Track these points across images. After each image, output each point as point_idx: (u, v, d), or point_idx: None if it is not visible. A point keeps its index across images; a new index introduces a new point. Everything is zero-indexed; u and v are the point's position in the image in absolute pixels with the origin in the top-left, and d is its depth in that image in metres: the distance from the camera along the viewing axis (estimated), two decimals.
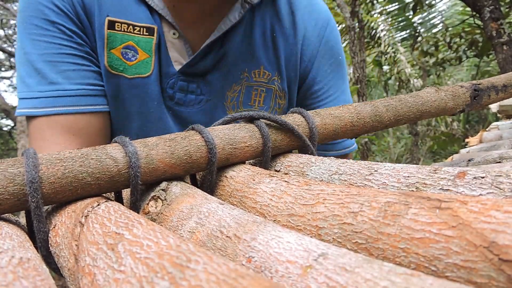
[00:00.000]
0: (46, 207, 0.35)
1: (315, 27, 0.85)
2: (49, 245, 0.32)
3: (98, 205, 0.31)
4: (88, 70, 0.72)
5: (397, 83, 7.28)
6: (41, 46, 0.69)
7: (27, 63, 0.70)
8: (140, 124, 0.78)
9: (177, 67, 0.76)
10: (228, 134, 0.42)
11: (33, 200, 0.30)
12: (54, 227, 0.32)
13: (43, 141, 0.69)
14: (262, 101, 0.83)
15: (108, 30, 0.72)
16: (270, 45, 0.81)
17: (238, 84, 0.80)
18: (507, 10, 4.19)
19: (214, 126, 0.45)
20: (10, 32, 9.56)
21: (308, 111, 0.49)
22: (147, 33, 0.73)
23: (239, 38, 0.78)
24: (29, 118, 0.71)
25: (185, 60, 0.76)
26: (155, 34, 0.74)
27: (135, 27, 0.73)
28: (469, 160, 0.68)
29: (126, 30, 0.72)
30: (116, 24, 0.72)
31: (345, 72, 0.92)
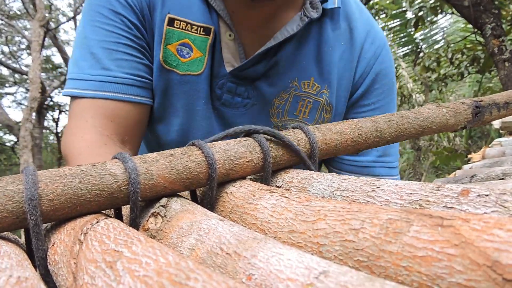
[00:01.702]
0: (45, 225, 0.34)
1: (372, 45, 0.86)
2: (48, 264, 0.32)
3: (97, 222, 0.30)
4: (139, 62, 0.75)
5: (399, 98, 7.30)
6: (101, 33, 0.73)
7: (84, 47, 0.74)
8: (184, 121, 0.80)
9: (229, 69, 0.78)
10: (228, 150, 0.42)
11: (32, 217, 0.30)
12: (53, 245, 0.32)
13: (82, 121, 0.72)
14: (308, 112, 0.84)
15: (168, 27, 0.75)
16: (323, 58, 0.81)
17: (287, 93, 0.81)
18: (508, 27, 4.22)
19: (214, 141, 0.45)
20: (15, 48, 9.67)
21: (308, 127, 0.49)
22: (203, 33, 0.76)
23: (293, 48, 0.79)
24: (74, 98, 0.75)
25: (237, 63, 0.78)
26: (211, 34, 0.76)
27: (193, 26, 0.75)
28: (472, 176, 0.68)
29: (184, 28, 0.75)
30: (176, 21, 0.75)
31: (395, 101, 0.92)
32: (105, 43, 0.73)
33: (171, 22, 0.74)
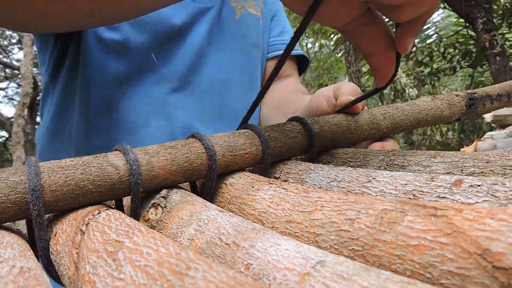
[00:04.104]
0: (47, 215, 0.35)
1: None
2: (50, 254, 0.32)
3: (99, 213, 0.31)
4: None
5: (393, 93, 7.31)
6: None
7: None
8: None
9: None
10: (228, 141, 0.43)
11: (34, 208, 0.30)
12: (55, 235, 0.32)
13: None
14: None
15: None
16: None
17: None
18: (499, 21, 4.23)
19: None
20: (5, 43, 9.58)
21: (306, 119, 0.50)
22: None
23: None
24: None
25: None
26: None
27: None
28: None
29: None
30: None
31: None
32: None
33: None
